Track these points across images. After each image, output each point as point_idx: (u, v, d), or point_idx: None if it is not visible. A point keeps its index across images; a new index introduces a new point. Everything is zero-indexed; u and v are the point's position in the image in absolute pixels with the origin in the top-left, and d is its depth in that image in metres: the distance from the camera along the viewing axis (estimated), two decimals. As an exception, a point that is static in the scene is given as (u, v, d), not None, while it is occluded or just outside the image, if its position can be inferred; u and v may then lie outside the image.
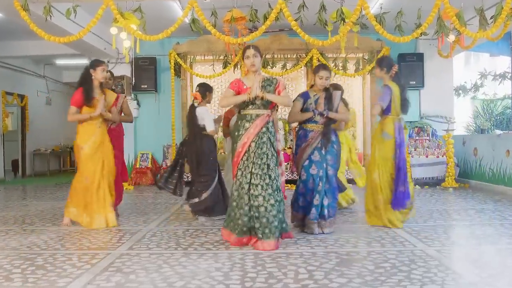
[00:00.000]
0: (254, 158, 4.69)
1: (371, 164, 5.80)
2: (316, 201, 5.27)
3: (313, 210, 5.26)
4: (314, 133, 5.40)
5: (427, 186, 9.82)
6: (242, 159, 4.74)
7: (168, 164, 10.88)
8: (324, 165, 5.33)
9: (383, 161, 5.67)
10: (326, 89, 5.53)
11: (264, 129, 4.78)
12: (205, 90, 6.42)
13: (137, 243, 4.92)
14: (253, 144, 4.73)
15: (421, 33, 6.77)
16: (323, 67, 5.52)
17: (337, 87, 5.86)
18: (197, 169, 6.30)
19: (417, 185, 9.70)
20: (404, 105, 5.76)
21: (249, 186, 4.65)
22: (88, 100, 5.78)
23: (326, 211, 5.29)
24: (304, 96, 5.55)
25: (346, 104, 6.17)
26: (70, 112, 5.80)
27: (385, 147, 5.68)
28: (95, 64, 5.91)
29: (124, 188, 9.97)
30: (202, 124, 6.25)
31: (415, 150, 10.04)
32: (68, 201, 5.97)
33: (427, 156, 9.98)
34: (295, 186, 5.65)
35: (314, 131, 5.41)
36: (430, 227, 5.57)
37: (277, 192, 4.67)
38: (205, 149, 6.27)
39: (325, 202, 5.31)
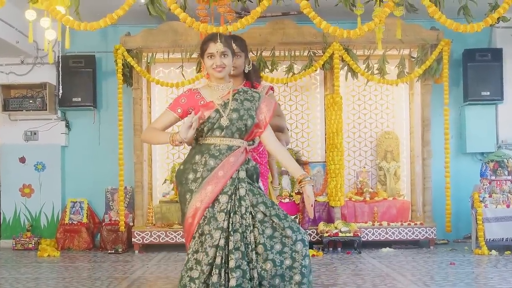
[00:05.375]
0: (230, 224, 4.24)
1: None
2: None
3: None
4: None
5: (508, 252, 9.72)
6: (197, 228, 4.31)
7: (113, 218, 10.80)
8: None
9: None
10: None
11: (241, 172, 4.41)
12: None
13: None
14: (223, 198, 4.31)
15: (498, 19, 6.78)
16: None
17: None
18: None
19: (492, 250, 9.61)
20: None
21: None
22: None
23: None
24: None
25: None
26: None
27: None
28: None
29: (47, 254, 9.92)
30: None
31: (489, 196, 9.95)
32: None
33: (508, 206, 9.89)
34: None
35: None
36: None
37: None
38: None
39: None
